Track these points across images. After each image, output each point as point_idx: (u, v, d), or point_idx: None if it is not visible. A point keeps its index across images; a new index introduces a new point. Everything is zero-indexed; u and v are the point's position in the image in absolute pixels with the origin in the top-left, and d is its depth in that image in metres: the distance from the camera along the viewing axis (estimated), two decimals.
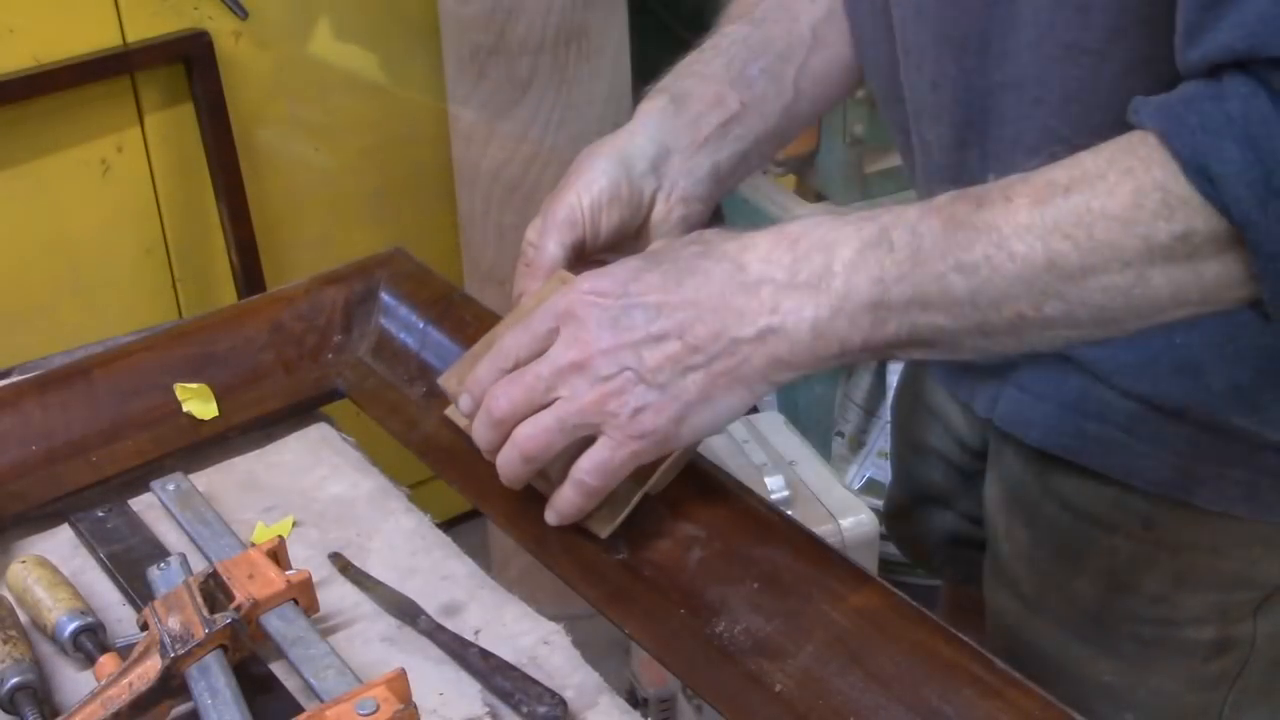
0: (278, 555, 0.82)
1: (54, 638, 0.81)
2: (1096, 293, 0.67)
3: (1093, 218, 0.66)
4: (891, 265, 0.71)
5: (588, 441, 0.79)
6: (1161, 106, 0.67)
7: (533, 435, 0.78)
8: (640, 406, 0.76)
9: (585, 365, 0.76)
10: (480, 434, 0.82)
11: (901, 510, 1.23)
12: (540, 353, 0.79)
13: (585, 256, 0.89)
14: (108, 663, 0.77)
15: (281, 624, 0.78)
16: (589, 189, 0.88)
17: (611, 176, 0.88)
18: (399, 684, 0.71)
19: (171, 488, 0.92)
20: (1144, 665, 0.95)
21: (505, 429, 0.80)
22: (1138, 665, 0.95)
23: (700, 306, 0.75)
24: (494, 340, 0.88)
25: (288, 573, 0.80)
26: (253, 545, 0.84)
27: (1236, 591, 0.91)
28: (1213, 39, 0.65)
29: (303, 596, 0.80)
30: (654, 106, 0.93)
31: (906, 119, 0.92)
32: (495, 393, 0.80)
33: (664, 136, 0.91)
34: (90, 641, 0.80)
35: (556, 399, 0.78)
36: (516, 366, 0.80)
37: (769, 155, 0.99)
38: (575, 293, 0.78)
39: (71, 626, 0.80)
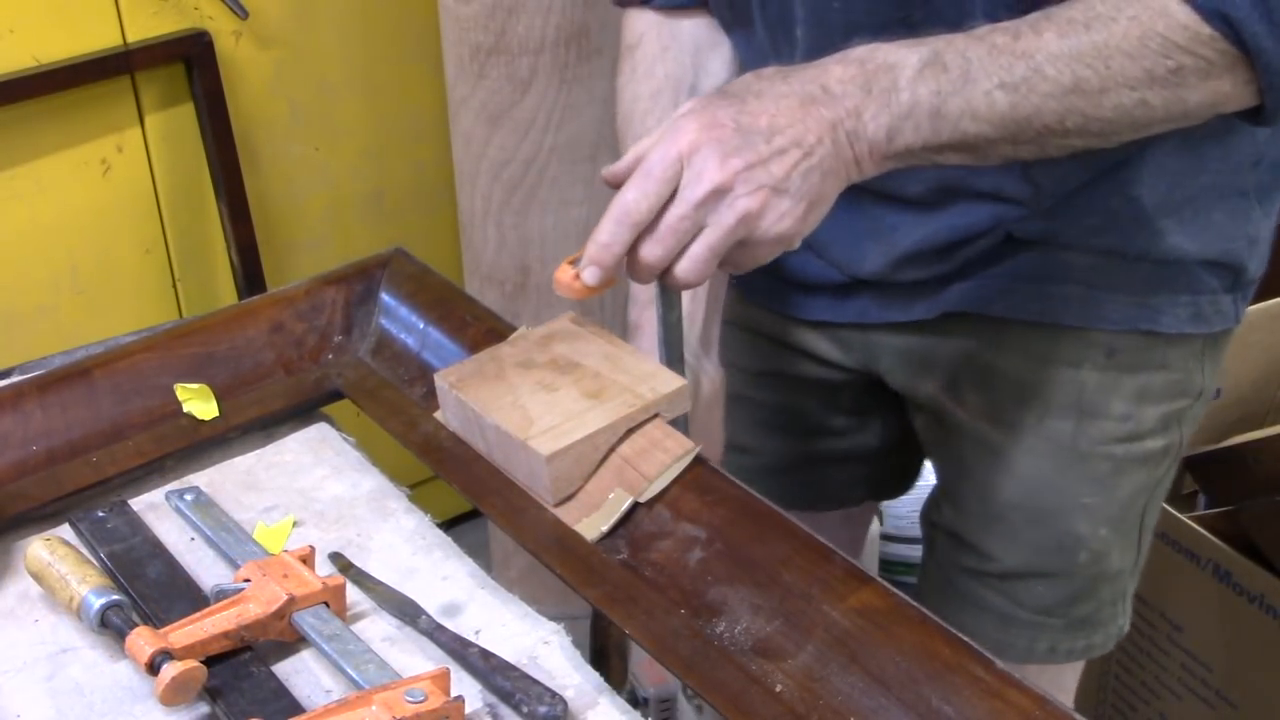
0: (307, 562, 0.83)
1: (80, 615, 0.80)
2: (1108, 110, 0.83)
3: (1109, 52, 0.81)
4: (946, 82, 0.83)
5: None
6: None
7: (690, 269, 0.83)
8: (780, 214, 0.83)
9: (725, 189, 0.81)
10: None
11: (791, 465, 1.26)
12: (664, 196, 0.82)
13: None
14: (139, 638, 0.76)
15: (317, 621, 0.79)
16: None
17: None
18: (442, 681, 0.73)
19: (190, 499, 0.92)
20: (1115, 482, 1.11)
21: (657, 273, 0.84)
22: (1111, 483, 1.11)
23: (804, 119, 0.83)
24: (498, 356, 0.89)
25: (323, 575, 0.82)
26: (284, 552, 0.84)
27: (1179, 400, 1.10)
28: None
29: (334, 601, 0.81)
30: None
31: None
32: (641, 253, 0.83)
33: None
34: (118, 618, 0.79)
35: (703, 229, 0.82)
36: (644, 219, 0.82)
37: None
38: (690, 131, 0.82)
39: (100, 602, 0.79)
